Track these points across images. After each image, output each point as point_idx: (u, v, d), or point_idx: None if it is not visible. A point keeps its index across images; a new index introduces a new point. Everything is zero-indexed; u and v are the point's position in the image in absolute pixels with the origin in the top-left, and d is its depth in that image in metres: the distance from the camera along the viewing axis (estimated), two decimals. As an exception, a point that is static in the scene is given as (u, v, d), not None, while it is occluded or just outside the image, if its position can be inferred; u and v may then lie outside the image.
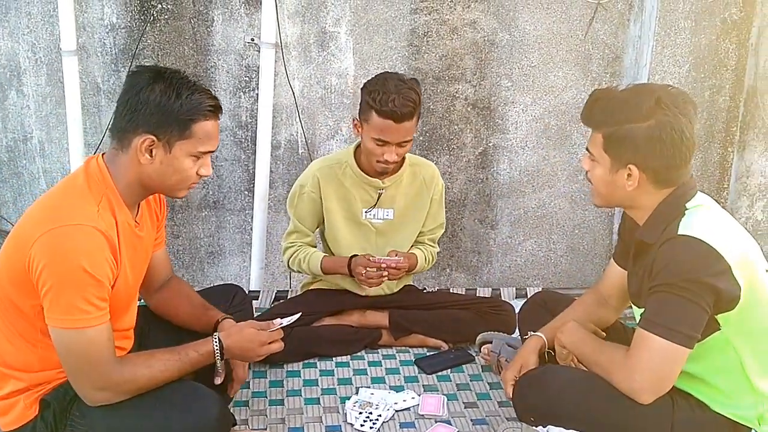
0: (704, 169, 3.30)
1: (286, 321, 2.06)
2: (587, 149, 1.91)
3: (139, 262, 1.94)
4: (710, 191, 3.34)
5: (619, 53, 3.26)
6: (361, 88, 2.46)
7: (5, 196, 3.35)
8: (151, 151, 1.79)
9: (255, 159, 3.21)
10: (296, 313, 2.14)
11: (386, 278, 2.53)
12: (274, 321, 2.06)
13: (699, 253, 1.73)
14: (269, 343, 2.00)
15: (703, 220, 1.80)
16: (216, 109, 1.85)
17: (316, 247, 2.73)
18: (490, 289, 3.19)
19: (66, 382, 1.80)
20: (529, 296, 2.69)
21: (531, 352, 2.12)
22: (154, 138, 1.77)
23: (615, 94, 1.84)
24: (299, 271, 2.71)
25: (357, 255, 2.57)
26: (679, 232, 1.77)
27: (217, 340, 1.93)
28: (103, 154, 1.88)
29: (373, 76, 2.46)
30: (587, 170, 1.93)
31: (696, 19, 3.05)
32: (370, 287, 2.55)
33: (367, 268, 2.50)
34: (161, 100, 1.76)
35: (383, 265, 2.49)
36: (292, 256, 2.67)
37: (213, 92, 1.87)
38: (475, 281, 3.55)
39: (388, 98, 2.33)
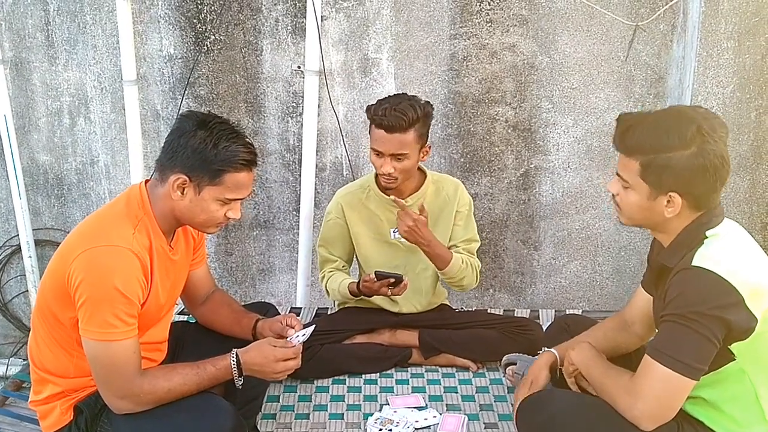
0: (752, 191, 3.21)
1: (301, 334, 2.10)
2: (618, 174, 1.88)
3: (171, 283, 2.09)
4: (759, 213, 3.25)
5: (663, 74, 3.24)
6: None
7: (74, 215, 3.61)
8: (183, 190, 1.95)
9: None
10: (311, 326, 2.17)
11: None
12: (288, 332, 2.12)
13: (709, 286, 1.71)
14: (285, 360, 2.07)
15: (719, 250, 1.78)
16: (250, 163, 1.98)
17: (349, 274, 2.79)
18: (529, 310, 3.20)
19: (97, 391, 1.95)
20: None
21: (542, 368, 2.14)
22: (187, 178, 1.93)
23: (649, 120, 1.80)
24: (335, 299, 2.83)
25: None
26: (693, 263, 1.75)
27: (234, 355, 2.03)
28: (147, 181, 2.05)
29: None
30: (615, 194, 1.90)
31: (739, 40, 3.00)
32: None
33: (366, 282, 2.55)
34: (199, 147, 1.91)
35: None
36: (326, 282, 2.76)
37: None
38: (518, 302, 3.57)
39: (380, 107, 2.45)
